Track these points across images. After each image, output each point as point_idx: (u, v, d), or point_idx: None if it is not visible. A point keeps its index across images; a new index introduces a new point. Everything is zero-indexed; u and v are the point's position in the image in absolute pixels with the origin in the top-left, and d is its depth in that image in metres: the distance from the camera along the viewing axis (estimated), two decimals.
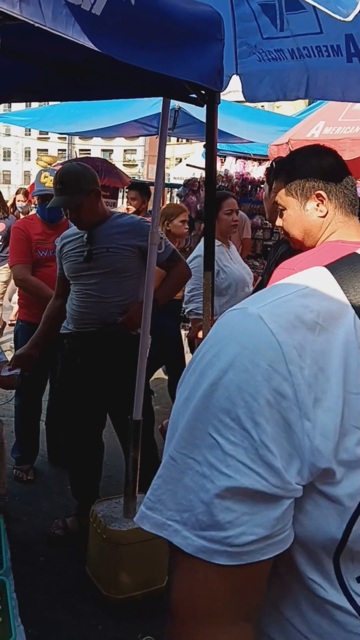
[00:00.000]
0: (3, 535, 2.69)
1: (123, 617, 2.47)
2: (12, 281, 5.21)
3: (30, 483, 3.58)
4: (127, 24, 1.64)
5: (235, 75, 2.55)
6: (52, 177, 3.46)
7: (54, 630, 2.38)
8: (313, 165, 1.61)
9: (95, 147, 44.79)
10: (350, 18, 1.32)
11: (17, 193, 8.31)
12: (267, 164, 7.00)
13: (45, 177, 3.55)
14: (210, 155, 2.23)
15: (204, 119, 2.23)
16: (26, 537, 3.01)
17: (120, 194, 9.46)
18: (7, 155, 63.66)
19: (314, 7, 1.39)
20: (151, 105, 5.74)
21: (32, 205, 7.78)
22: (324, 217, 1.60)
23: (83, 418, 2.97)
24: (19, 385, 3.71)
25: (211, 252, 2.31)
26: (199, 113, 4.84)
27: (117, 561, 2.52)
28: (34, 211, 4.73)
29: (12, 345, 4.21)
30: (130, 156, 53.91)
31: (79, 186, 2.69)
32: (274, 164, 2.35)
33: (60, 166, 6.52)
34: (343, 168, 1.64)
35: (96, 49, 1.56)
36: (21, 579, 2.62)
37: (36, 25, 1.39)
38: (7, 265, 5.52)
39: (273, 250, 2.96)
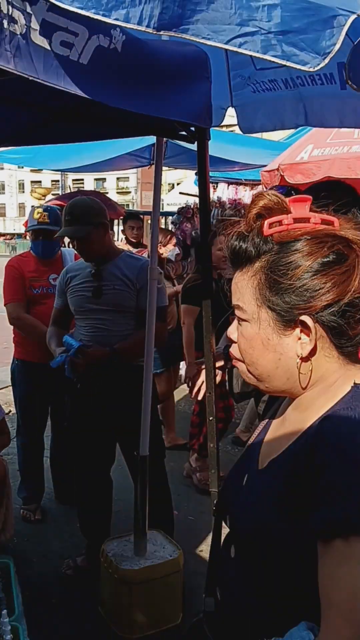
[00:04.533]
0: (13, 579, 2.65)
1: None
2: None
3: (38, 523, 3.54)
4: (114, 70, 1.68)
5: (230, 107, 2.58)
6: (45, 213, 3.48)
7: None
8: None
9: (88, 177, 45.21)
10: (317, 68, 1.35)
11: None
12: (258, 189, 7.09)
13: (38, 212, 3.50)
14: (204, 189, 2.25)
15: (192, 148, 2.27)
16: (38, 578, 2.97)
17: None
18: (1, 188, 64.36)
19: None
20: (141, 138, 5.80)
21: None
22: None
23: (92, 454, 2.95)
24: (19, 424, 3.68)
25: (209, 280, 2.30)
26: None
27: (131, 601, 2.49)
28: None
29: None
30: (124, 183, 54.46)
31: (88, 218, 2.74)
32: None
33: (53, 201, 6.55)
34: None
35: (86, 96, 1.60)
36: (36, 622, 2.58)
37: (30, 78, 1.44)
38: None
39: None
